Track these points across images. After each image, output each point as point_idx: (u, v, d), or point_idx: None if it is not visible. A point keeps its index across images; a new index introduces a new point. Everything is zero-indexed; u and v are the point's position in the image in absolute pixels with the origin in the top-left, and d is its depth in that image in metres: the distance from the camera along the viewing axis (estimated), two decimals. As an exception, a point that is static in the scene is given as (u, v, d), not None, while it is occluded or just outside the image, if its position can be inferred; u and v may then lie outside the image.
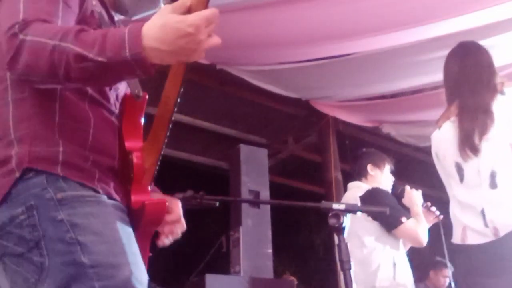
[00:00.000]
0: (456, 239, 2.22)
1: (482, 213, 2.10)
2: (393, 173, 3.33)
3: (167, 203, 1.25)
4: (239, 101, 5.59)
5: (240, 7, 3.75)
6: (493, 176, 2.11)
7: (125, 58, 1.03)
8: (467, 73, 2.28)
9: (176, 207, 1.40)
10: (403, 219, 2.88)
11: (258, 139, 6.40)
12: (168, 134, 1.25)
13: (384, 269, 2.86)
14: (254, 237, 4.29)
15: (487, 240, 2.07)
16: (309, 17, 3.87)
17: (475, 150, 2.14)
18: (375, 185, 3.15)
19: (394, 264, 2.89)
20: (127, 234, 1.17)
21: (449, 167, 2.27)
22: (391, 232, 2.93)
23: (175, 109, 1.21)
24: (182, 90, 1.19)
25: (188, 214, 1.41)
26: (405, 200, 3.10)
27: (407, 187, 3.12)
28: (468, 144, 2.15)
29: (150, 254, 1.36)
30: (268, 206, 4.51)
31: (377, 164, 3.25)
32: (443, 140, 2.31)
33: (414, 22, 3.91)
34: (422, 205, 3.06)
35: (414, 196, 3.06)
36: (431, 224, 3.07)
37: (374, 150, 3.44)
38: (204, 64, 4.52)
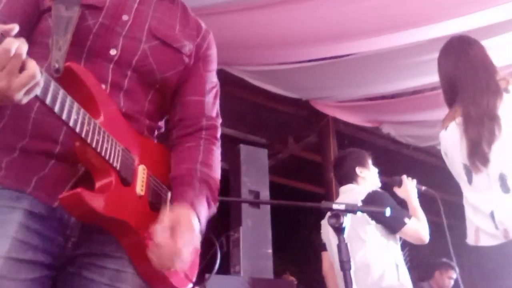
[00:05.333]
0: (470, 240, 2.19)
1: (492, 215, 2.07)
2: (390, 172, 3.32)
3: (81, 193, 1.09)
4: (239, 101, 5.59)
5: (241, 8, 3.76)
6: (503, 179, 2.07)
7: None
8: (463, 76, 2.21)
9: (173, 219, 1.19)
10: (406, 219, 2.88)
11: (258, 139, 6.41)
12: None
13: (389, 272, 2.86)
14: (254, 237, 4.28)
15: (498, 242, 2.06)
16: (309, 18, 3.88)
17: (485, 161, 2.09)
18: (367, 185, 3.15)
19: (397, 266, 2.89)
20: None
21: (457, 168, 2.24)
22: (395, 234, 2.94)
23: None
24: None
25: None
26: (401, 192, 3.09)
27: (404, 177, 3.12)
28: (478, 155, 2.10)
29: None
30: (268, 206, 4.50)
31: (363, 164, 3.22)
32: (450, 141, 2.27)
33: (414, 23, 3.91)
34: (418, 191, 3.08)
35: (410, 188, 3.06)
36: None
37: (354, 149, 3.40)
38: (204, 64, 4.52)
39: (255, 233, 4.30)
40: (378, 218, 2.90)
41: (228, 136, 6.16)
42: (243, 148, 4.71)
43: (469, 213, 2.21)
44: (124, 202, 1.19)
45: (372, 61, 4.55)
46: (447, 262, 5.50)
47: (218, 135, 1.48)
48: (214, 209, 1.38)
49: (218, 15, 3.77)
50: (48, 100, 1.00)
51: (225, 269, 4.37)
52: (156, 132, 1.42)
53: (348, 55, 4.61)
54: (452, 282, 5.54)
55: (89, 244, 1.23)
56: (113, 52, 1.28)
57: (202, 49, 1.48)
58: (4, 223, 1.15)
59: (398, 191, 3.12)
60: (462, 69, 2.23)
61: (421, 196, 3.13)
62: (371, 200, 2.92)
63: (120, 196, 1.19)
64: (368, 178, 3.20)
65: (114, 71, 1.28)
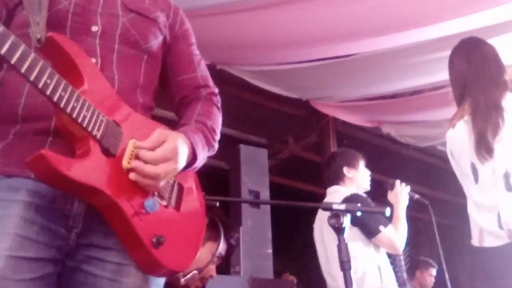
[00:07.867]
0: (475, 241, 2.20)
1: (498, 215, 2.07)
2: (391, 172, 3.31)
3: (45, 155, 1.03)
4: (239, 101, 5.59)
5: (241, 8, 3.76)
6: (507, 177, 2.07)
7: None
8: (476, 70, 2.25)
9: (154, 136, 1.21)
10: (381, 227, 2.84)
11: (258, 139, 6.40)
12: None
13: (370, 274, 2.82)
14: (254, 237, 4.28)
15: (502, 242, 2.06)
16: (309, 18, 3.88)
17: (490, 151, 2.11)
18: (354, 186, 3.10)
19: (379, 268, 2.86)
20: None
21: (464, 167, 2.24)
22: (370, 239, 2.91)
23: None
24: None
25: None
26: (391, 196, 3.05)
27: (398, 182, 3.08)
28: (483, 145, 2.12)
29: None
30: (268, 206, 4.50)
31: (352, 164, 3.16)
32: (458, 140, 2.28)
33: (414, 23, 3.91)
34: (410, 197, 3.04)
35: (401, 194, 3.02)
36: None
37: (345, 149, 3.38)
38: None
39: (255, 233, 4.29)
40: (353, 220, 2.87)
41: (228, 136, 6.15)
42: (243, 148, 4.70)
43: (473, 212, 2.22)
44: (102, 171, 1.13)
45: (372, 61, 4.55)
46: (426, 261, 5.47)
47: (218, 99, 1.52)
48: (213, 149, 1.42)
49: (218, 15, 3.77)
50: (23, 67, 0.98)
51: (225, 269, 4.36)
52: (150, 112, 1.41)
53: (348, 55, 4.61)
54: (433, 279, 5.50)
55: (91, 235, 1.21)
56: (95, 28, 1.29)
57: (177, 24, 1.50)
58: (4, 218, 1.11)
59: (389, 194, 3.08)
60: (475, 64, 2.26)
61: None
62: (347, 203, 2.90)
63: (98, 165, 1.13)
64: (356, 179, 3.14)
65: (101, 46, 1.28)
